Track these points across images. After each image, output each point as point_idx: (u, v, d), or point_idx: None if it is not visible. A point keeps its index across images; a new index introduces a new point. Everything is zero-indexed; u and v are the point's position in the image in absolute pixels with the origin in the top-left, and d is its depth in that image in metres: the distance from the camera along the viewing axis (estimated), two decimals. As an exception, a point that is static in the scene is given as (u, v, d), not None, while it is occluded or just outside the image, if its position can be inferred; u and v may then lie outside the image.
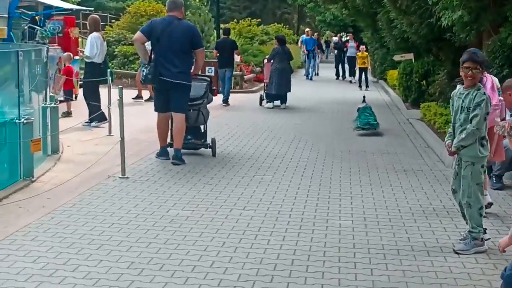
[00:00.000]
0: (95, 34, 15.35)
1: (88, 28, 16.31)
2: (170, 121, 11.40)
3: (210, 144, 12.01)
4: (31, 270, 5.88)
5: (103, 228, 7.23)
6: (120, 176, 9.71)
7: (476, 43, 13.31)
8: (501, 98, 8.63)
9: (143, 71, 11.52)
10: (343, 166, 11.22)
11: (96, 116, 14.55)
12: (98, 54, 15.09)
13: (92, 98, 15.13)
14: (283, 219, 7.78)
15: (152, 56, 11.31)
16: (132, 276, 5.79)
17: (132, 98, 19.07)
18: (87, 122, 14.63)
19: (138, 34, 11.54)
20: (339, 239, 7.05)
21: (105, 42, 16.08)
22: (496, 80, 9.06)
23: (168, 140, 11.59)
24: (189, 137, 11.75)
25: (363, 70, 28.09)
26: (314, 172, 10.64)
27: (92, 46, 15.04)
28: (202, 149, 12.13)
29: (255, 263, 6.21)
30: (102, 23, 37.39)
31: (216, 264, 6.14)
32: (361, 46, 30.19)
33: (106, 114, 14.07)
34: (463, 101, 6.76)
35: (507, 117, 9.68)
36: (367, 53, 27.66)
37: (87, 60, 15.52)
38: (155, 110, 11.52)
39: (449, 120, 13.75)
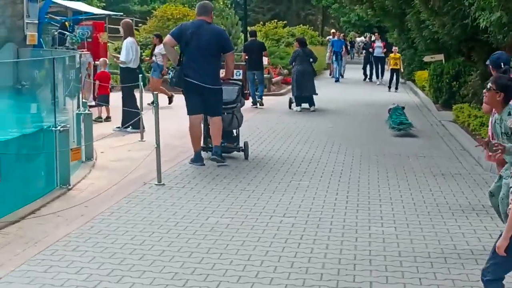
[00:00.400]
0: (130, 39, 15.39)
1: (122, 33, 16.16)
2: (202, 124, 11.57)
3: (243, 148, 12.12)
4: (75, 282, 5.81)
5: (144, 237, 7.15)
6: (156, 183, 9.63)
7: (512, 45, 13.15)
8: None
9: (169, 74, 11.91)
10: (379, 170, 11.09)
11: (133, 122, 14.43)
12: (134, 59, 15.13)
13: (129, 104, 15.17)
14: (324, 226, 7.67)
15: (181, 59, 11.44)
16: (179, 287, 5.70)
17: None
18: (118, 127, 14.62)
19: (168, 37, 11.65)
20: (384, 247, 6.92)
21: (138, 46, 16.01)
22: None
23: (201, 143, 11.66)
24: (222, 140, 11.66)
25: (394, 71, 27.74)
26: (351, 177, 10.53)
27: (128, 51, 15.10)
28: (235, 152, 12.19)
29: (300, 273, 6.09)
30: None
31: (261, 274, 6.04)
32: (393, 47, 29.83)
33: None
34: (500, 127, 6.63)
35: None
36: (399, 54, 27.30)
37: (122, 66, 15.58)
38: (188, 113, 11.46)
39: (484, 122, 13.63)
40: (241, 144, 12.25)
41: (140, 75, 14.52)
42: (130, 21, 16.96)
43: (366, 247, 6.92)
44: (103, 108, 16.84)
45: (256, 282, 5.82)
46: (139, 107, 13.97)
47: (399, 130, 15.19)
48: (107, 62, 18.48)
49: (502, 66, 8.75)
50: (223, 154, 11.54)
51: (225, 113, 11.79)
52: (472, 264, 6.38)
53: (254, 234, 7.35)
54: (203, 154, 11.50)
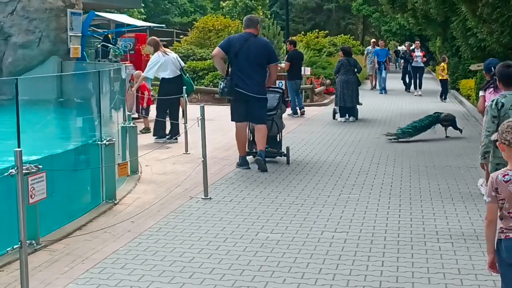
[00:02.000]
0: (155, 54, 15.64)
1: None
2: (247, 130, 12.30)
3: (285, 153, 12.62)
4: (125, 303, 5.68)
5: (193, 254, 7.00)
6: (203, 197, 9.50)
7: None
8: None
9: (220, 84, 12.45)
10: (430, 182, 10.84)
11: (157, 132, 15.24)
12: (160, 71, 15.47)
13: (159, 114, 15.36)
14: (378, 242, 7.45)
15: (230, 70, 12.05)
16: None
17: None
18: (158, 138, 15.06)
19: (217, 49, 12.35)
20: (442, 264, 6.67)
21: (172, 56, 15.92)
22: None
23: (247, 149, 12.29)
24: (267, 146, 12.26)
25: (444, 81, 27.49)
26: (402, 189, 10.30)
27: (149, 66, 15.49)
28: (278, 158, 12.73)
29: (356, 292, 5.87)
30: (169, 39, 37.76)
31: (316, 293, 5.85)
32: (443, 56, 29.42)
33: (181, 131, 14.15)
34: None
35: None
36: (447, 64, 27.00)
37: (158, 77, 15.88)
38: (233, 120, 12.20)
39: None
40: (284, 149, 12.71)
41: (184, 87, 14.48)
42: (155, 37, 16.86)
43: (424, 263, 6.68)
44: (144, 119, 16.98)
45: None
46: (184, 120, 14.05)
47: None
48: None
49: (492, 69, 9.98)
50: (266, 159, 12.00)
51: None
52: None
53: (306, 250, 7.15)
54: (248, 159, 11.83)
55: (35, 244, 7.15)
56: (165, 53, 15.59)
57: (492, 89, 10.09)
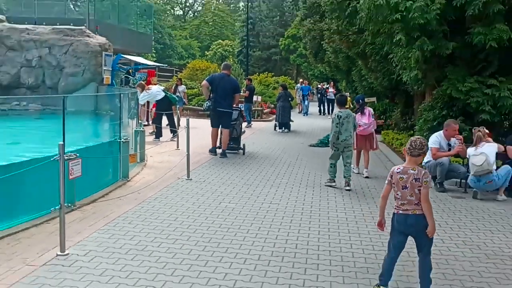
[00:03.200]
0: (142, 92, 15.62)
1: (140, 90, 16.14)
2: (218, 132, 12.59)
3: (242, 148, 13.10)
4: (129, 246, 5.60)
5: (176, 215, 6.89)
6: (186, 178, 9.33)
7: (423, 93, 12.94)
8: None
9: (206, 103, 12.80)
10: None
11: (158, 134, 15.28)
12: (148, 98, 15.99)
13: (156, 121, 15.68)
14: (297, 210, 7.37)
15: (211, 95, 12.39)
16: (199, 251, 5.45)
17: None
18: (155, 138, 15.11)
19: (205, 82, 12.64)
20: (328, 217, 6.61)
21: (155, 89, 16.03)
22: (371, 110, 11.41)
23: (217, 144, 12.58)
24: (231, 143, 12.84)
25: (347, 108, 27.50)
26: (315, 178, 10.17)
27: (140, 98, 15.17)
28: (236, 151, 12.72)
29: (280, 245, 5.81)
30: (170, 74, 37.27)
31: (256, 240, 5.79)
32: (346, 93, 29.39)
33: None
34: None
35: (444, 146, 9.39)
36: (350, 98, 27.00)
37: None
38: (211, 125, 12.53)
39: (404, 143, 13.42)
40: (241, 146, 13.19)
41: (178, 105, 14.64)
42: (143, 83, 16.99)
43: (321, 229, 6.64)
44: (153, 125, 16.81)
45: (254, 242, 5.55)
46: (177, 127, 14.01)
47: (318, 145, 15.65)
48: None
49: (360, 101, 11.24)
50: (230, 151, 12.78)
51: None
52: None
53: (252, 214, 7.07)
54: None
55: (71, 206, 6.99)
56: (147, 89, 15.81)
57: (359, 112, 10.86)
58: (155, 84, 21.06)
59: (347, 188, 9.03)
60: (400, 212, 4.57)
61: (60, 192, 5.29)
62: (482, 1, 9.65)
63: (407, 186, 4.53)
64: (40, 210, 6.58)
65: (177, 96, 18.82)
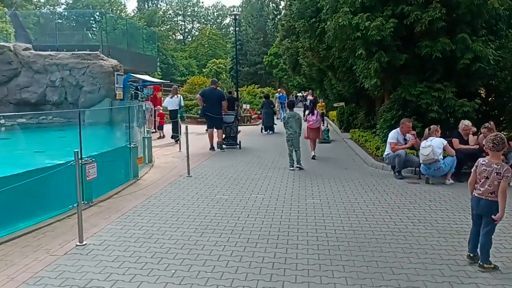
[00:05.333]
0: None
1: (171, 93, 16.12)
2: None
3: (239, 144, 13.84)
4: (138, 234, 5.51)
5: (178, 207, 6.79)
6: (187, 175, 9.22)
7: (382, 97, 12.90)
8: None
9: (200, 111, 13.88)
10: (309, 161, 10.70)
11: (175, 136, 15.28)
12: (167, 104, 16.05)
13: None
14: (282, 199, 7.27)
15: (204, 105, 13.16)
16: (197, 237, 5.35)
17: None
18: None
19: (198, 95, 13.58)
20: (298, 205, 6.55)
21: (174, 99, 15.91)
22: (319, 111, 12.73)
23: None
24: (229, 140, 13.76)
25: (322, 113, 27.19)
26: (294, 170, 10.08)
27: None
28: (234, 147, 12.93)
29: (275, 234, 5.72)
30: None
31: (247, 227, 5.69)
32: (320, 100, 28.96)
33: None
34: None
35: (401, 141, 9.38)
36: (324, 103, 26.86)
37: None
38: (207, 128, 13.56)
39: (368, 139, 13.37)
40: (238, 142, 13.90)
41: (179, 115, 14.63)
42: (176, 87, 16.88)
43: (291, 214, 6.57)
44: (161, 131, 16.73)
45: (244, 227, 5.46)
46: (180, 133, 13.94)
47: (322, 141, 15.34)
48: (160, 107, 18.36)
49: (311, 105, 13.38)
50: (228, 147, 13.64)
51: (227, 128, 13.74)
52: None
53: (242, 204, 6.97)
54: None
55: (89, 203, 6.85)
56: (175, 96, 15.94)
57: (310, 113, 12.13)
58: (161, 97, 20.98)
59: (299, 167, 10.06)
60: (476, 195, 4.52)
61: (77, 191, 5.17)
62: (427, 19, 9.64)
63: (489, 177, 4.42)
64: (63, 207, 6.44)
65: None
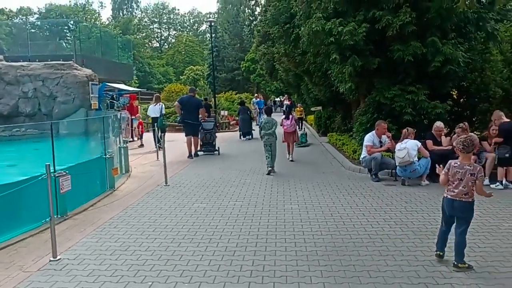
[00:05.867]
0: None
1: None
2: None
3: (217, 150, 13.99)
4: (114, 247, 5.39)
5: (156, 217, 6.69)
6: (165, 184, 9.12)
7: (358, 101, 13.04)
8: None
9: (178, 118, 13.87)
10: (286, 166, 10.71)
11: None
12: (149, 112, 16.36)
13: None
14: (259, 206, 7.25)
15: (182, 112, 13.24)
16: (174, 247, 5.28)
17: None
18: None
19: (177, 103, 13.59)
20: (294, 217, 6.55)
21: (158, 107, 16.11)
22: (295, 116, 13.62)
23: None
24: (208, 147, 13.97)
25: (300, 118, 27.10)
26: (271, 176, 10.10)
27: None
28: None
29: (245, 234, 5.70)
30: (150, 97, 36.65)
31: (224, 234, 5.64)
32: (298, 104, 28.69)
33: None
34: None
35: (377, 143, 9.49)
36: (302, 108, 26.84)
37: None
38: (186, 135, 13.31)
39: (345, 143, 13.48)
40: (217, 148, 14.07)
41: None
42: (158, 95, 17.36)
43: (271, 219, 6.56)
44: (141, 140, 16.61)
45: (222, 236, 5.42)
46: (157, 141, 13.87)
47: (303, 144, 15.91)
48: (140, 117, 18.21)
49: (287, 109, 13.10)
50: (207, 153, 13.87)
51: (207, 134, 13.85)
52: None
53: (220, 212, 6.93)
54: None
55: (64, 216, 6.71)
56: (158, 104, 16.16)
57: (286, 118, 12.73)
58: (137, 106, 20.82)
59: (271, 170, 10.29)
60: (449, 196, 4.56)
61: (50, 205, 5.05)
62: (398, 24, 9.80)
63: (463, 178, 4.47)
64: (37, 221, 6.29)
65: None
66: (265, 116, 11.11)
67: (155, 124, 15.43)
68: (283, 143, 12.72)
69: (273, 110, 49.58)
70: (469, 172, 4.46)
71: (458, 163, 4.55)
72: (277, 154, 10.72)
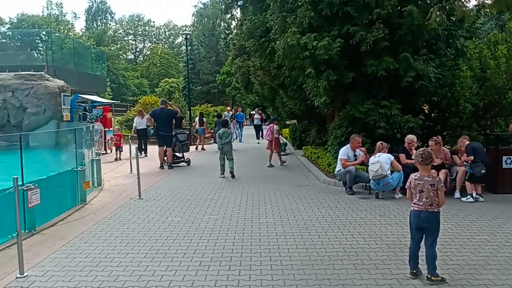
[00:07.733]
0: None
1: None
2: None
3: (187, 161, 14.35)
4: (84, 263, 5.20)
5: (128, 232, 6.54)
6: (138, 198, 8.97)
7: (332, 114, 13.17)
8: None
9: (151, 130, 15.26)
10: (263, 178, 10.68)
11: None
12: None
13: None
14: (234, 219, 7.19)
15: (155, 124, 13.80)
16: (147, 263, 5.14)
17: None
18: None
19: (148, 115, 14.33)
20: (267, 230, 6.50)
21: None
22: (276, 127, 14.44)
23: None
24: (180, 158, 14.24)
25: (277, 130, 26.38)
26: (249, 187, 10.04)
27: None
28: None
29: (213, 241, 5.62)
30: (124, 109, 36.25)
31: (201, 245, 5.55)
32: (275, 121, 27.81)
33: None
34: None
35: (351, 157, 9.58)
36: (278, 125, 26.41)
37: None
38: (159, 146, 13.64)
39: (320, 156, 13.57)
40: (186, 160, 14.41)
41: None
42: (142, 110, 19.18)
43: (254, 228, 6.51)
44: (119, 152, 16.19)
45: (196, 250, 5.32)
46: (130, 154, 13.58)
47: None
48: (119, 129, 17.96)
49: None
50: (177, 165, 13.95)
51: (181, 146, 14.14)
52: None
53: (194, 226, 6.83)
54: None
55: (32, 231, 6.50)
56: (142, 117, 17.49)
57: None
58: (111, 118, 20.55)
59: (232, 177, 11.34)
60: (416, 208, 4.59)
61: (17, 220, 4.87)
62: (372, 39, 10.00)
63: (423, 190, 4.52)
64: (3, 236, 6.07)
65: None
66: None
67: (145, 134, 16.98)
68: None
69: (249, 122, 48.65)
70: (429, 183, 4.56)
71: (418, 175, 4.65)
72: (256, 163, 10.83)
